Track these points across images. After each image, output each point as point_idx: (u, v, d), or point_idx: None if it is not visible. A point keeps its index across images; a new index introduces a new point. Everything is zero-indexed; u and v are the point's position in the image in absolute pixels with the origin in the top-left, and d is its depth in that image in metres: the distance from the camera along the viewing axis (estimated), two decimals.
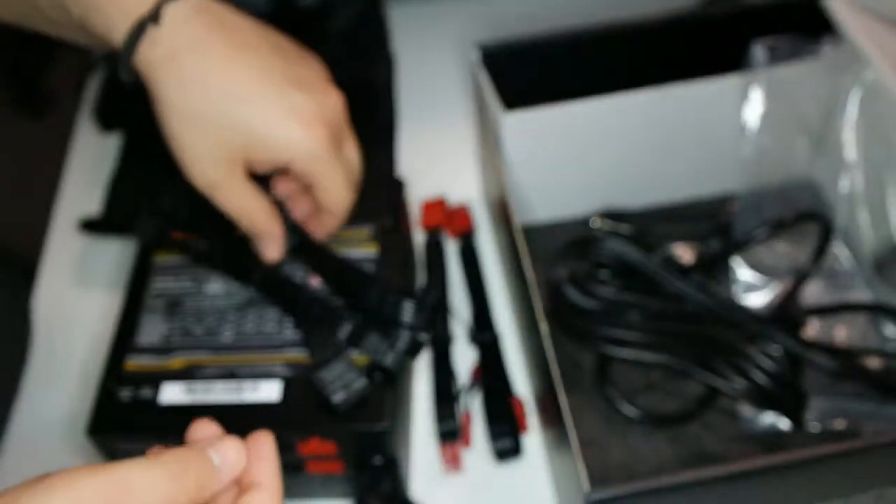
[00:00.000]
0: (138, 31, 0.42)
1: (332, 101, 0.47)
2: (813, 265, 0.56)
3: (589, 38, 0.58)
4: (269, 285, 0.51)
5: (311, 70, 0.47)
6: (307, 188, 0.49)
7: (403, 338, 0.47)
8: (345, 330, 0.48)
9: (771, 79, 0.56)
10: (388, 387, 0.47)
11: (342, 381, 0.46)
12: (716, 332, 0.52)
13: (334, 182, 0.47)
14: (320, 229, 0.51)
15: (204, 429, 0.36)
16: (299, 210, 0.51)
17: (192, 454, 0.33)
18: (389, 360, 0.46)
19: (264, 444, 0.36)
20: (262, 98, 0.44)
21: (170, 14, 0.42)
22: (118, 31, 0.42)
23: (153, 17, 0.42)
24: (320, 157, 0.46)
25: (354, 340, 0.47)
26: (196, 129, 0.44)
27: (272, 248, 0.50)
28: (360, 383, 0.46)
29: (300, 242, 0.51)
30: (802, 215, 0.56)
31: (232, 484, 0.34)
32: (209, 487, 0.33)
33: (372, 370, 0.47)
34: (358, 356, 0.48)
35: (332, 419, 0.46)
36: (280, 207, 0.50)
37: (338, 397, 0.45)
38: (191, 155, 0.45)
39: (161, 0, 0.42)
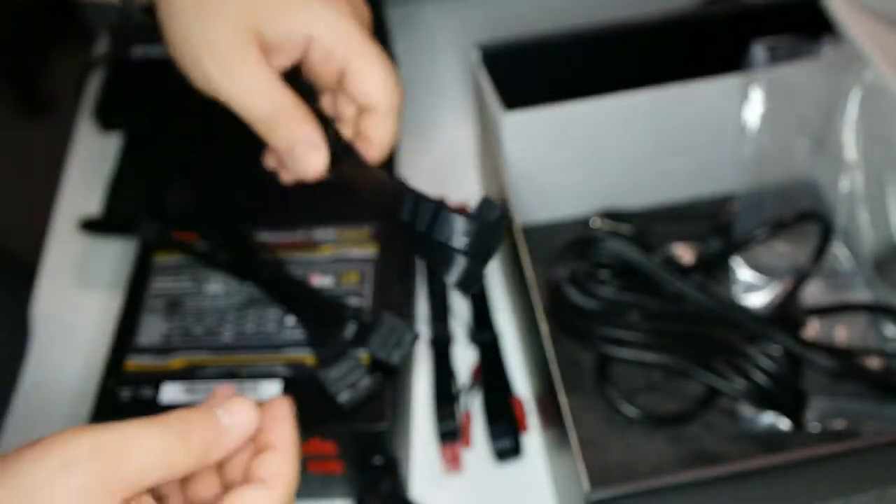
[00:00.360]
0: None
1: (363, 5, 0.43)
2: (813, 265, 0.56)
3: (589, 38, 0.58)
4: (273, 284, 0.51)
5: None
6: (340, 90, 0.43)
7: (409, 335, 0.47)
8: (350, 328, 0.48)
9: (771, 79, 0.56)
10: (388, 386, 0.47)
11: (348, 381, 0.46)
12: (716, 333, 0.52)
13: (372, 63, 0.41)
14: (371, 151, 0.44)
15: (219, 393, 0.35)
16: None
17: (197, 413, 0.32)
18: (396, 357, 0.46)
19: (280, 406, 0.34)
20: None
21: None
22: None
23: None
24: (348, 27, 0.41)
25: (360, 339, 0.47)
26: (202, 11, 0.40)
27: (313, 156, 0.42)
28: (366, 382, 0.46)
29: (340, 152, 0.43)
30: (802, 215, 0.56)
31: (246, 446, 0.33)
32: (216, 448, 0.32)
33: (373, 368, 0.46)
34: (363, 355, 0.47)
35: (332, 419, 0.46)
36: (317, 113, 0.43)
37: (343, 396, 0.45)
38: (198, 44, 0.40)
39: None
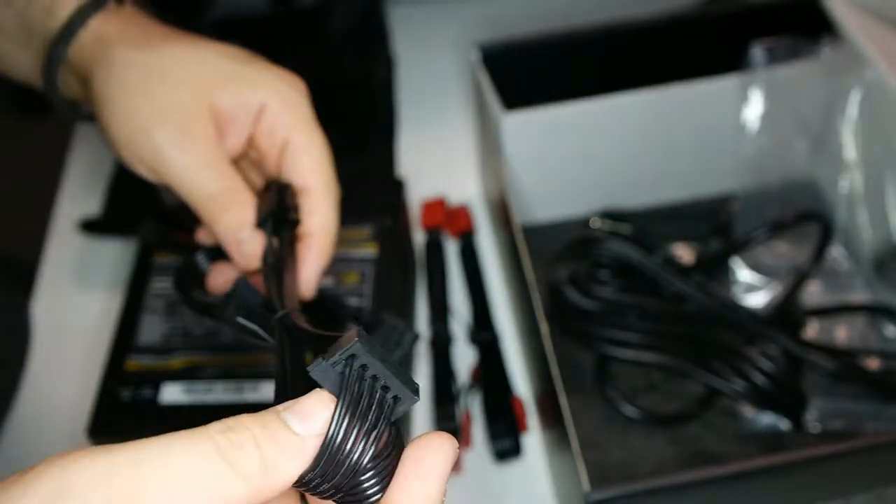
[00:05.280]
0: (81, 14, 0.40)
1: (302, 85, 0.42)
2: (813, 265, 0.56)
3: (589, 38, 0.58)
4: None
5: None
6: (278, 166, 0.41)
7: (409, 335, 0.47)
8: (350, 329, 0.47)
9: (770, 79, 0.56)
10: None
11: None
12: (716, 333, 0.52)
13: (313, 139, 0.40)
14: (308, 267, 0.41)
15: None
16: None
17: (253, 420, 0.23)
18: (397, 356, 0.46)
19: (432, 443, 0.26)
20: (229, 56, 0.40)
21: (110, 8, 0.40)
22: (59, 16, 0.40)
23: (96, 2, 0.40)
24: (297, 98, 0.40)
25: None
26: (155, 80, 0.38)
27: (256, 245, 0.39)
28: None
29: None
30: (802, 215, 0.56)
31: None
32: (283, 472, 0.22)
33: None
34: None
35: None
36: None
37: None
38: (149, 115, 0.38)
39: None
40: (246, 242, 0.40)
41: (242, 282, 0.37)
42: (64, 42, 0.40)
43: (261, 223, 0.40)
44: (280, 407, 0.24)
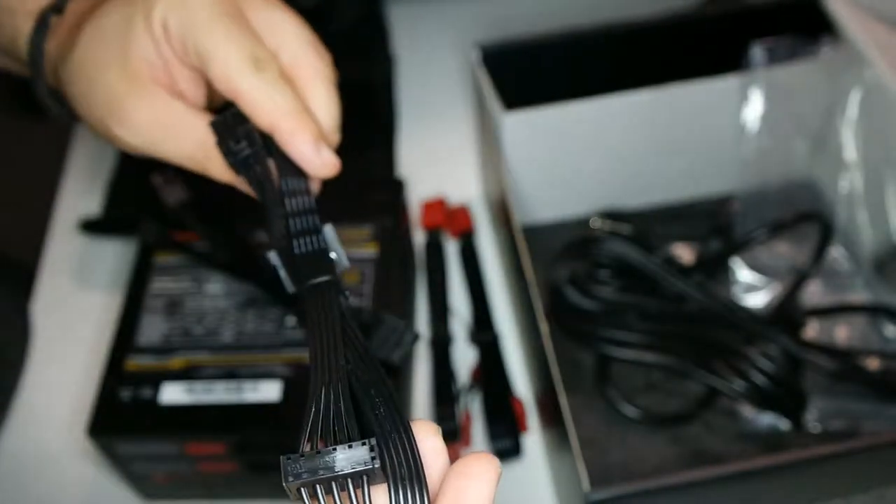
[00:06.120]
0: (42, 24, 0.39)
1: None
2: (812, 265, 0.56)
3: (589, 38, 0.58)
4: (273, 284, 0.51)
5: None
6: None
7: (409, 335, 0.47)
8: None
9: (770, 79, 0.56)
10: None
11: None
12: (716, 333, 0.52)
13: (279, 7, 0.38)
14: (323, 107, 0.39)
15: None
16: None
17: None
18: (396, 357, 0.46)
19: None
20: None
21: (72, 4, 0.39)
22: (25, 29, 0.39)
23: (56, 7, 0.39)
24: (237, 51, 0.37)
25: None
26: (101, 42, 0.37)
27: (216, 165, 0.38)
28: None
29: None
30: (802, 215, 0.56)
31: None
32: None
33: None
34: None
35: None
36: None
37: None
38: (101, 91, 0.37)
39: None
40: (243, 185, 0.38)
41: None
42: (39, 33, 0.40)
43: (236, 165, 0.38)
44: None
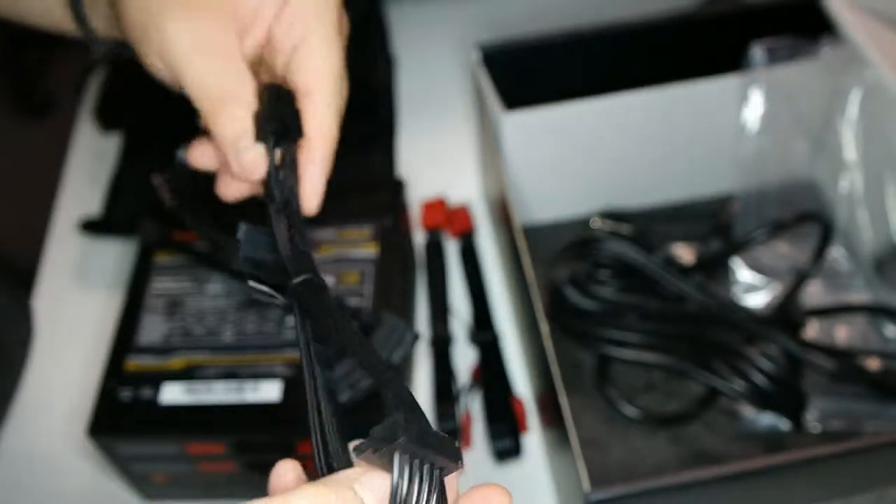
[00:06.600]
0: None
1: None
2: (813, 266, 0.56)
3: (589, 38, 0.58)
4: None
5: None
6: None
7: (409, 335, 0.47)
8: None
9: (770, 79, 0.56)
10: None
11: (349, 380, 0.45)
12: (716, 333, 0.52)
13: (331, 48, 0.39)
14: (309, 179, 0.39)
15: (284, 472, 0.28)
16: None
17: (316, 492, 0.24)
18: (396, 357, 0.46)
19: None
20: None
21: None
22: None
23: None
24: (327, 2, 0.38)
25: None
26: None
27: (256, 153, 0.37)
28: (366, 382, 0.45)
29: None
30: (802, 215, 0.56)
31: None
32: None
33: None
34: None
35: None
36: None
37: (344, 396, 0.45)
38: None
39: None
40: (244, 151, 0.37)
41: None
42: None
43: (261, 133, 0.37)
44: (352, 479, 0.25)
